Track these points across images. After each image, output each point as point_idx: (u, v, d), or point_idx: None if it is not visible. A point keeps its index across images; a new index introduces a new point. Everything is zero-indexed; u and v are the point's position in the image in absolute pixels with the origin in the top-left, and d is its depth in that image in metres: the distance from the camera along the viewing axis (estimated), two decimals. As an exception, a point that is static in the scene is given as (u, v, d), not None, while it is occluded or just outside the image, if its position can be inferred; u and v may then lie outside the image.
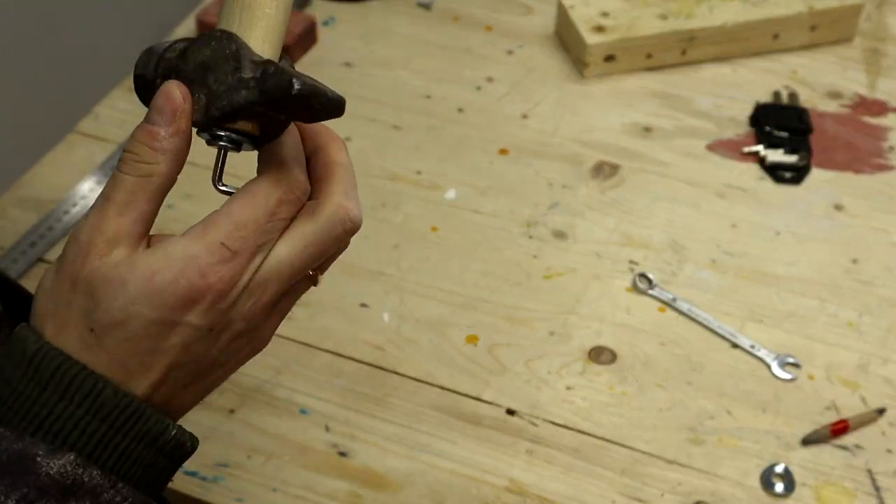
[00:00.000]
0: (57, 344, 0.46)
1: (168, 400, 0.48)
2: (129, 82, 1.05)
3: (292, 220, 0.49)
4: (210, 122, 0.48)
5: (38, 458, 0.44)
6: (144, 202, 0.46)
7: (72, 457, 0.44)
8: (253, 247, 0.47)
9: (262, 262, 0.48)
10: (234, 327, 0.48)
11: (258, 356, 0.81)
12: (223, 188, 0.49)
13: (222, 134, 0.48)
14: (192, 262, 0.45)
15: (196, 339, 0.47)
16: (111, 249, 0.46)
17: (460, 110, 1.03)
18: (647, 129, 1.01)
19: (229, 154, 0.49)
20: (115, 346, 0.46)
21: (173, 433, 0.48)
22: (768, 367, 0.81)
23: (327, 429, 0.77)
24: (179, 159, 0.48)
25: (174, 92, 0.47)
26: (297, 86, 0.46)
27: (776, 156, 0.97)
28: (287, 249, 0.48)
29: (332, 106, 0.47)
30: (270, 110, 0.47)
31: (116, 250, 0.46)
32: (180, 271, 0.45)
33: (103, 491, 0.45)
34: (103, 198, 0.47)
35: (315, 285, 0.51)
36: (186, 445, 0.49)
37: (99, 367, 0.46)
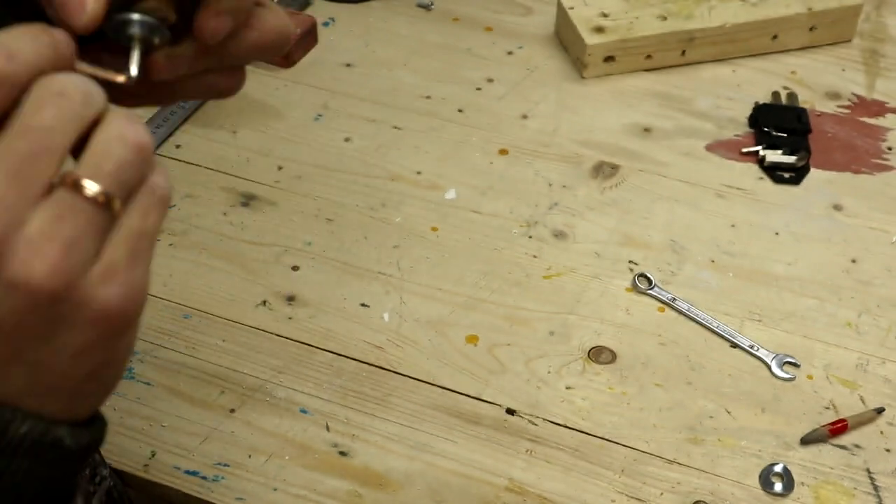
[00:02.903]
0: None
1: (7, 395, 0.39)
2: (130, 82, 1.05)
3: None
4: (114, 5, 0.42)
5: None
6: None
7: None
8: None
9: None
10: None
11: (258, 356, 0.82)
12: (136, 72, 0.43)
13: (132, 17, 0.42)
14: None
15: None
16: None
17: (460, 110, 1.03)
18: (647, 130, 1.01)
19: None
20: None
21: (23, 430, 0.39)
22: (768, 366, 0.82)
23: (327, 428, 0.78)
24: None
25: None
26: None
27: (775, 156, 0.97)
28: None
29: None
30: None
31: None
32: None
33: None
34: None
35: (110, 213, 0.39)
36: (62, 443, 0.41)
37: None
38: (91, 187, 0.38)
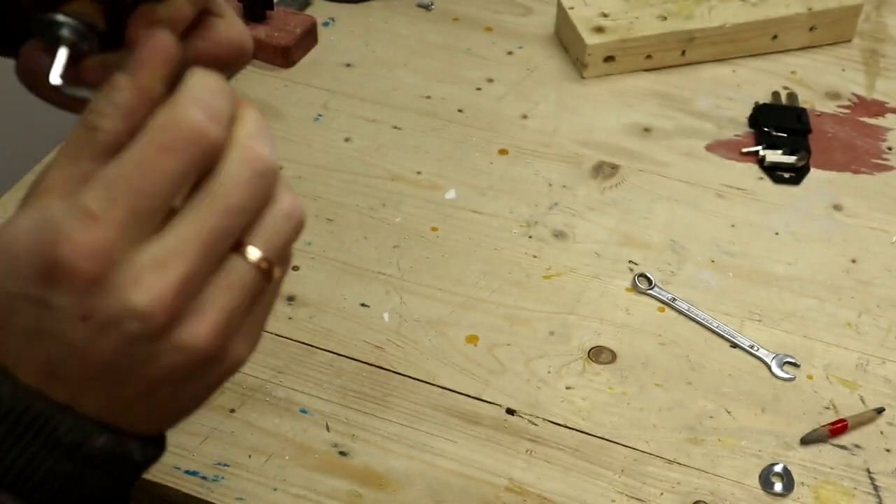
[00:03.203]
0: None
1: (85, 406, 0.40)
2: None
3: (193, 177, 0.38)
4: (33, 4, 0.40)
5: None
6: (87, 160, 0.38)
7: None
8: (123, 212, 0.36)
9: (150, 230, 0.37)
10: (123, 326, 0.37)
11: (258, 356, 0.81)
12: (68, 90, 0.41)
13: (55, 18, 0.40)
14: (48, 225, 0.37)
15: (68, 324, 0.37)
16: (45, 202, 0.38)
17: (460, 110, 1.03)
18: (647, 130, 1.01)
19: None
20: None
21: (100, 443, 0.40)
22: (767, 366, 0.82)
23: (327, 428, 0.78)
24: (130, 117, 0.38)
25: (158, 39, 0.39)
26: None
27: (775, 156, 0.97)
28: (185, 218, 0.38)
29: None
30: None
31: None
32: (35, 237, 0.37)
33: None
34: (61, 148, 0.39)
35: (269, 282, 0.41)
36: (130, 456, 0.42)
37: None
38: (258, 256, 0.40)
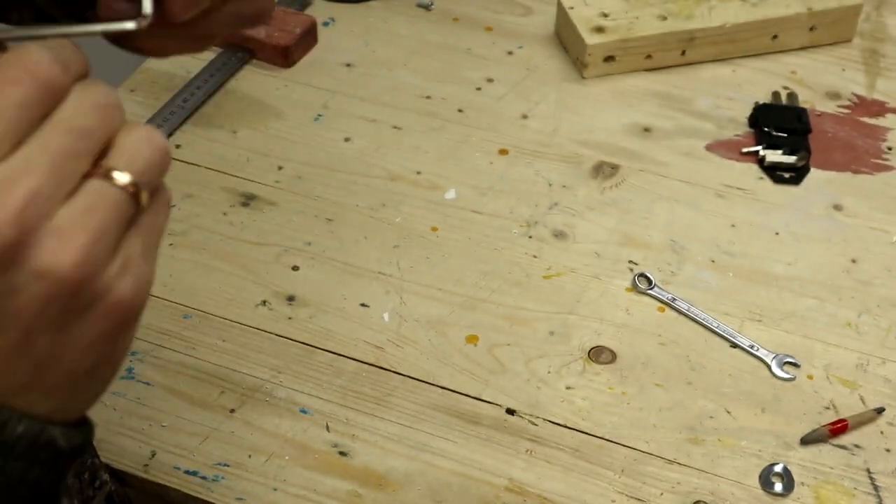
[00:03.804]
0: None
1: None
2: (130, 82, 1.05)
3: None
4: None
5: None
6: None
7: None
8: None
9: None
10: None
11: (258, 356, 0.82)
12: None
13: None
14: None
15: None
16: None
17: (460, 110, 1.03)
18: (647, 130, 1.01)
19: None
20: None
21: (20, 430, 0.39)
22: (768, 366, 0.82)
23: (327, 428, 0.78)
24: None
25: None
26: None
27: (775, 156, 0.97)
28: (29, 141, 0.38)
29: None
30: None
31: None
32: None
33: None
34: None
35: (138, 205, 0.40)
36: (55, 443, 0.40)
37: None
38: (123, 178, 0.39)
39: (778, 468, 0.75)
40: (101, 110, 0.39)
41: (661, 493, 0.74)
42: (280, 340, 0.83)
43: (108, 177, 0.39)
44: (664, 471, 0.75)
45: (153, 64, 1.06)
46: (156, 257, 0.42)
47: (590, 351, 0.83)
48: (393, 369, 0.81)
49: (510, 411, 0.79)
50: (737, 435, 0.77)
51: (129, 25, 0.43)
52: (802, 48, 1.09)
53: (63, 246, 0.37)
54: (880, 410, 0.79)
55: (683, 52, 1.06)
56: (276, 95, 1.04)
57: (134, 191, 0.39)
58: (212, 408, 0.78)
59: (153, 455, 0.76)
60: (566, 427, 0.78)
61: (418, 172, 0.96)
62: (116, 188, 0.39)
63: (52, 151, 0.37)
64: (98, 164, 0.39)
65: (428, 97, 1.04)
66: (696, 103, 1.04)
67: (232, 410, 0.78)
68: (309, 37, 1.08)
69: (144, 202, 0.40)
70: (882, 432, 0.78)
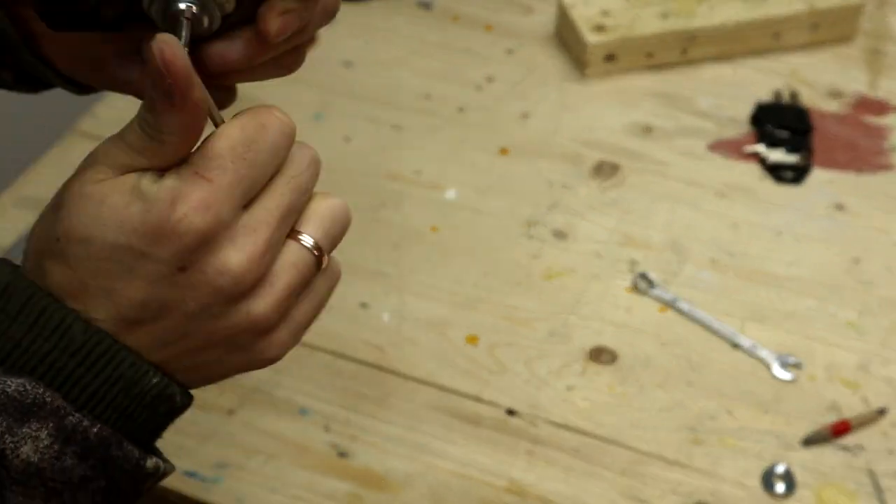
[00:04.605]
0: (30, 265, 0.44)
1: (148, 351, 0.45)
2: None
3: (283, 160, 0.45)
4: None
5: None
6: (155, 158, 0.43)
7: (32, 379, 0.42)
8: (232, 176, 0.42)
9: (247, 200, 0.43)
10: (215, 280, 0.43)
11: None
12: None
13: None
14: (166, 191, 0.42)
15: (163, 276, 0.43)
16: (106, 172, 0.43)
17: (460, 110, 1.02)
18: (648, 129, 1.01)
19: None
20: (77, 262, 0.43)
21: (154, 381, 0.44)
22: (769, 367, 0.81)
23: (327, 429, 0.77)
24: (186, 135, 0.43)
25: (166, 57, 0.40)
26: None
27: (777, 155, 0.97)
28: (267, 192, 0.44)
29: None
30: None
31: (110, 172, 0.43)
32: (153, 201, 0.42)
33: (67, 414, 0.42)
34: (119, 133, 0.44)
35: (319, 268, 0.47)
36: (174, 399, 0.46)
37: (59, 279, 0.43)
38: (308, 241, 0.46)
39: (779, 469, 0.75)
40: (313, 167, 0.47)
41: (662, 494, 0.74)
42: (279, 341, 0.83)
43: (301, 240, 0.46)
44: (665, 471, 0.75)
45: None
46: (316, 317, 0.49)
47: (590, 351, 0.82)
48: (393, 369, 0.81)
49: (510, 412, 0.79)
50: (738, 435, 0.77)
51: None
52: (804, 47, 1.08)
53: (270, 296, 0.45)
54: (883, 411, 0.78)
55: (684, 52, 1.06)
56: (275, 95, 1.04)
57: (318, 255, 0.46)
58: (211, 408, 0.78)
59: (152, 456, 0.75)
60: (567, 427, 0.78)
61: (418, 172, 0.96)
62: (307, 250, 0.46)
63: (286, 205, 0.44)
64: (295, 230, 0.46)
65: (428, 97, 1.04)
66: (697, 102, 1.03)
67: (232, 411, 0.78)
68: (309, 36, 1.08)
69: (323, 266, 0.47)
70: (885, 433, 0.77)
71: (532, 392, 0.80)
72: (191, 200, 0.42)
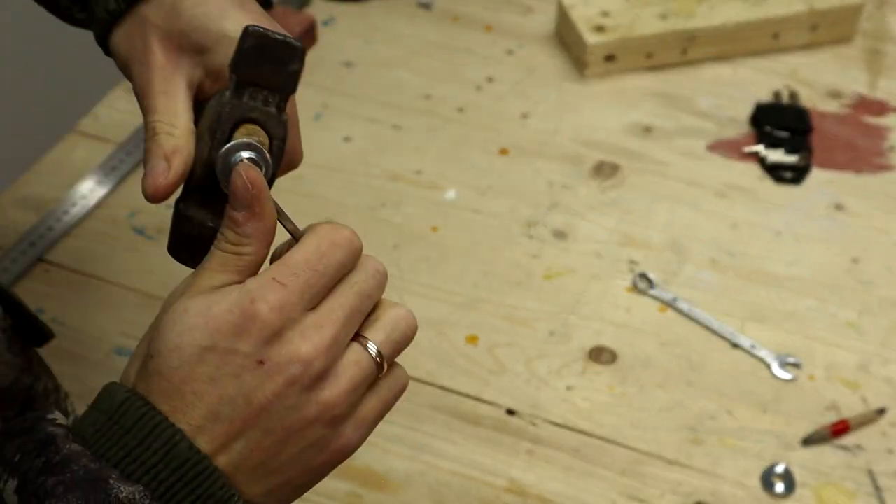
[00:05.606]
0: (128, 382, 0.49)
1: (235, 469, 0.49)
2: (129, 83, 1.05)
3: (348, 271, 0.51)
4: (215, 144, 0.51)
5: (111, 481, 0.46)
6: (235, 274, 0.50)
7: (141, 487, 0.47)
8: (303, 282, 0.49)
9: (314, 303, 0.49)
10: (288, 368, 0.48)
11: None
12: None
13: (238, 144, 0.51)
14: (246, 293, 0.48)
15: (245, 368, 0.48)
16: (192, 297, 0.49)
17: (460, 110, 1.02)
18: (648, 129, 1.01)
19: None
20: (171, 372, 0.48)
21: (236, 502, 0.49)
22: (768, 367, 0.81)
23: (327, 429, 0.77)
24: (264, 240, 0.50)
25: (248, 176, 0.50)
26: (250, 29, 0.51)
27: (776, 155, 0.97)
28: (333, 296, 0.50)
29: (290, 48, 0.52)
30: (248, 68, 0.51)
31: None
32: (235, 301, 0.48)
33: None
34: (199, 266, 0.50)
35: (380, 373, 0.51)
36: None
37: (154, 394, 0.48)
38: (373, 348, 0.50)
39: (779, 469, 0.75)
40: (378, 277, 0.51)
41: (662, 494, 0.74)
42: (280, 341, 0.83)
43: (365, 345, 0.50)
44: (665, 471, 0.75)
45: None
46: (382, 418, 0.52)
47: (590, 351, 0.82)
48: (393, 370, 0.81)
49: (510, 412, 0.79)
50: (738, 435, 0.77)
51: None
52: (804, 47, 1.09)
53: (337, 387, 0.49)
54: (882, 411, 0.78)
55: (684, 52, 1.06)
56: (275, 95, 1.04)
57: (380, 360, 0.50)
58: (211, 408, 0.78)
59: (152, 456, 0.75)
60: (566, 427, 0.78)
61: (418, 172, 0.96)
62: (369, 354, 0.50)
63: (350, 307, 0.49)
64: (361, 335, 0.50)
65: (428, 97, 1.04)
66: (696, 103, 1.03)
67: (231, 411, 0.78)
68: (309, 36, 1.08)
69: (383, 372, 0.51)
70: (884, 433, 0.77)
71: (532, 392, 0.80)
72: (268, 301, 0.48)
